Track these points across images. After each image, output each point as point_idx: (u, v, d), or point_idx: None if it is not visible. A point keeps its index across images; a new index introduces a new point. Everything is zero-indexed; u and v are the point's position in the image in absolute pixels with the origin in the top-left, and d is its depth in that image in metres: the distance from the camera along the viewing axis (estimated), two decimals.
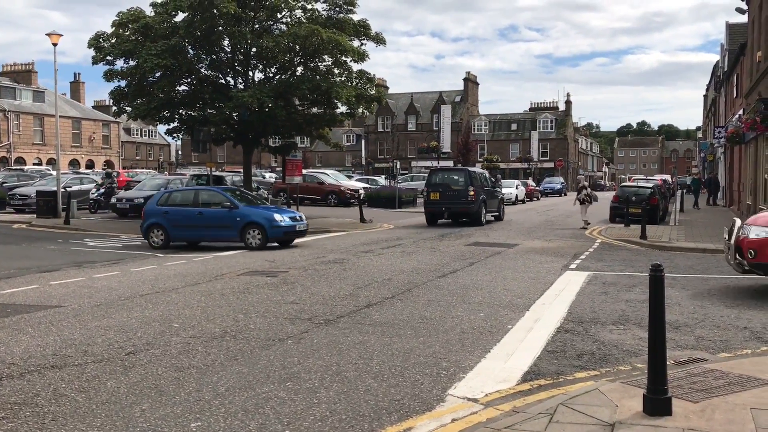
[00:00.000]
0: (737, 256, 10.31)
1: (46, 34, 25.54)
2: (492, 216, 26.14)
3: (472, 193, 23.90)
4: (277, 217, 17.09)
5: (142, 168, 67.51)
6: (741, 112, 28.67)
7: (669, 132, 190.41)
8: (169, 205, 17.63)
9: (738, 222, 11.01)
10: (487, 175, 28.27)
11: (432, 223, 24.68)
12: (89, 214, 26.37)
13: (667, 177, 58.73)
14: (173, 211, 17.43)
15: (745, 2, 27.77)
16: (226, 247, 17.06)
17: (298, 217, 17.79)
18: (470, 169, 27.23)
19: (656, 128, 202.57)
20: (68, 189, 27.62)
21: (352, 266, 13.62)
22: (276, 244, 17.19)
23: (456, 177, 25.01)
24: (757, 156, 23.77)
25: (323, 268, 13.40)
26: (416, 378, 6.15)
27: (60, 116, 36.71)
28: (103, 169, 50.97)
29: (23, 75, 63.61)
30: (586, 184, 25.32)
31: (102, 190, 29.82)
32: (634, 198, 25.35)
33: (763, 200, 20.75)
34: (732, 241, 10.51)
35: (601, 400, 5.31)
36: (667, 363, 5.12)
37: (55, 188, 26.78)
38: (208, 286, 11.10)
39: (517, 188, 45.00)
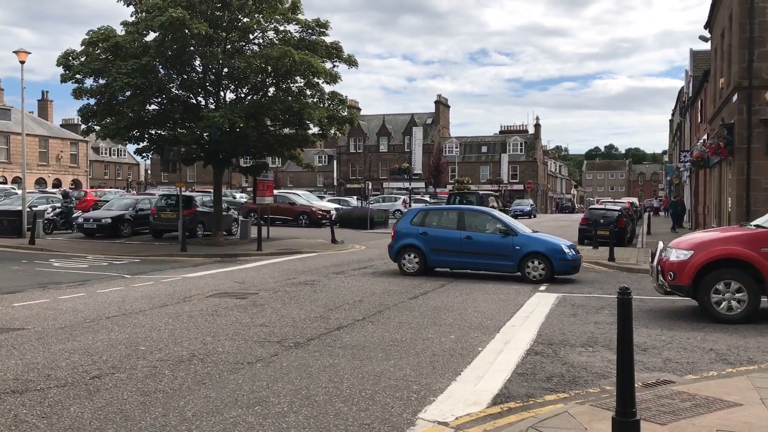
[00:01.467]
0: (659, 278, 10.65)
1: (14, 52, 25.23)
2: None
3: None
4: (564, 247, 15.29)
5: (111, 187, 66.66)
6: (705, 137, 29.30)
7: (636, 155, 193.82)
8: (427, 225, 16.02)
9: (661, 245, 11.33)
10: (493, 198, 36.98)
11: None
12: (45, 235, 25.80)
13: (635, 200, 59.65)
14: (433, 233, 15.75)
15: (708, 30, 28.51)
16: (195, 267, 16.86)
17: (575, 248, 15.92)
18: (480, 192, 37.07)
19: (623, 152, 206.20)
20: (34, 208, 27.12)
21: (323, 288, 13.55)
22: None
23: (470, 198, 33.29)
24: (721, 180, 24.28)
25: (294, 289, 13.31)
26: (387, 401, 6.11)
27: (27, 134, 36.15)
28: (71, 188, 50.26)
29: None
30: (495, 205, 31.15)
31: (58, 210, 29.33)
32: (602, 220, 25.69)
33: (727, 223, 21.17)
34: (654, 263, 10.85)
35: (570, 423, 5.32)
36: (636, 385, 5.16)
37: (20, 207, 26.27)
38: (176, 308, 10.94)
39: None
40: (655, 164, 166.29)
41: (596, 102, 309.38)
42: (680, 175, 49.85)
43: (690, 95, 41.17)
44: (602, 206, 31.72)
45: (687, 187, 45.76)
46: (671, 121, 73.94)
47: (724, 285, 10.10)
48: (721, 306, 10.13)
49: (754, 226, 10.87)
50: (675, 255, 10.52)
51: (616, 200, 43.56)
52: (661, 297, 12.81)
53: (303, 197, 39.92)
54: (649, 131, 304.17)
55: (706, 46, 31.00)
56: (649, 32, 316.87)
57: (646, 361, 7.66)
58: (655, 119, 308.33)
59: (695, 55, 40.79)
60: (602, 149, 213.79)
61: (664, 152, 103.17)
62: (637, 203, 56.57)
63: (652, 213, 43.81)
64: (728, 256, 10.10)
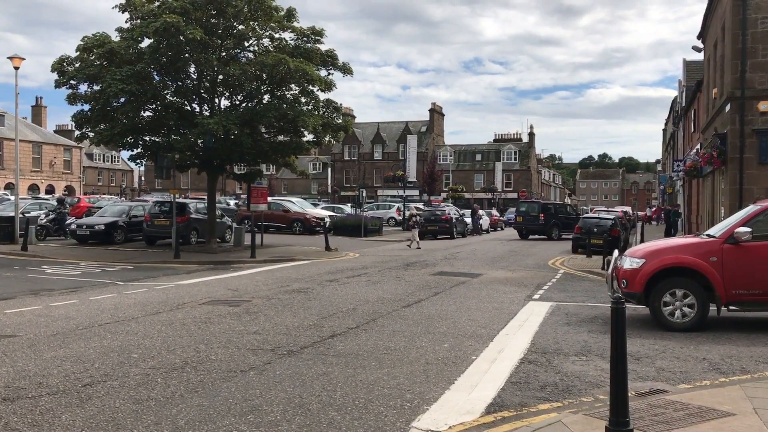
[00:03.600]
0: (614, 286, 10.74)
1: (8, 58, 25.17)
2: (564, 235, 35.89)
3: (542, 217, 37.40)
4: None
5: (104, 194, 66.50)
6: (698, 146, 29.44)
7: (630, 164, 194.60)
8: None
9: (616, 253, 11.48)
10: (567, 205, 42.62)
11: (523, 237, 37.39)
12: (37, 241, 25.71)
13: (628, 209, 59.81)
14: None
15: (701, 41, 28.69)
16: (188, 274, 16.81)
17: None
18: (543, 201, 43.48)
19: (617, 161, 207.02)
20: (26, 215, 27.01)
21: (316, 296, 13.52)
22: (240, 273, 17.00)
23: (534, 206, 39.56)
24: (714, 189, 24.38)
25: (287, 297, 13.28)
26: (380, 410, 6.10)
27: (20, 140, 36.06)
28: (64, 194, 50.10)
29: None
30: (416, 212, 33.18)
31: (51, 216, 29.21)
32: (595, 229, 25.76)
33: None
34: (610, 271, 10.99)
35: None
36: (629, 395, 5.16)
37: (12, 213, 26.16)
38: (169, 316, 10.90)
39: (481, 218, 45.41)
40: (648, 173, 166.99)
41: (590, 111, 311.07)
42: (673, 185, 50.03)
43: (683, 105, 41.37)
44: (596, 215, 31.80)
45: (680, 196, 45.90)
46: (664, 130, 74.31)
47: (674, 293, 10.22)
48: (671, 314, 10.24)
49: (706, 235, 11.00)
50: (628, 263, 10.67)
51: (610, 209, 43.60)
52: None
53: (297, 204, 39.88)
54: (643, 140, 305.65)
55: (699, 56, 31.18)
56: (642, 42, 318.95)
57: (639, 370, 7.67)
58: (648, 128, 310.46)
59: (688, 65, 41.00)
60: (596, 158, 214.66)
61: (658, 161, 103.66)
62: (631, 212, 56.72)
63: (644, 222, 44.07)
64: (678, 264, 10.24)
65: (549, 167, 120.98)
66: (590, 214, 34.70)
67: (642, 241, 32.20)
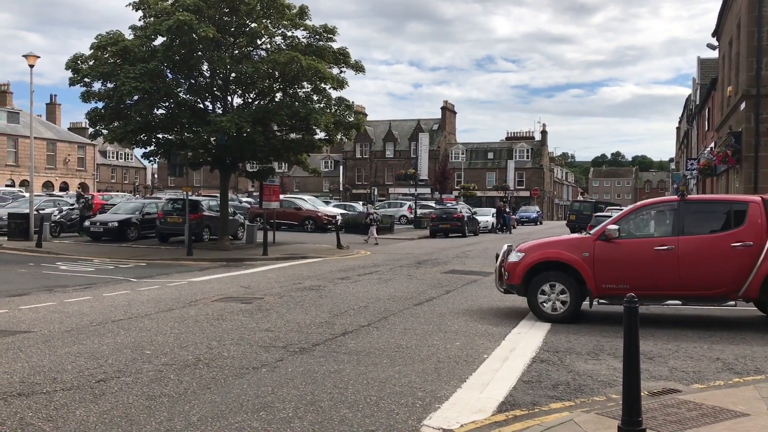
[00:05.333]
0: (501, 277, 11.39)
1: (23, 56, 25.38)
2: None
3: (594, 216, 35.05)
4: None
5: (117, 191, 66.89)
6: (713, 144, 29.23)
7: (643, 163, 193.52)
8: None
9: (505, 247, 11.95)
10: (616, 204, 44.11)
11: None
12: (52, 238, 25.92)
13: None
14: None
15: (715, 38, 28.47)
16: (201, 271, 16.89)
17: None
18: (594, 201, 48.07)
19: (630, 159, 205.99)
20: (41, 212, 27.23)
21: (328, 293, 13.54)
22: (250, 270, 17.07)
23: (587, 205, 43.52)
24: (728, 188, 24.20)
25: (299, 294, 13.31)
26: (391, 408, 6.10)
27: (35, 137, 36.33)
28: (77, 191, 50.42)
29: None
30: (373, 210, 35.04)
31: (77, 211, 29.42)
32: None
33: None
34: (498, 263, 11.58)
35: None
36: (642, 394, 5.14)
37: (27, 210, 26.38)
38: (182, 312, 10.96)
39: (493, 216, 45.31)
40: (661, 172, 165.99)
41: (603, 109, 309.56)
42: (687, 183, 49.70)
43: (697, 103, 41.08)
44: (608, 214, 31.63)
45: (694, 194, 45.59)
46: (678, 128, 73.80)
47: (550, 286, 10.70)
48: (547, 306, 10.72)
49: (586, 232, 11.36)
50: (513, 257, 11.21)
51: (623, 207, 43.34)
52: (667, 305, 12.77)
53: (309, 202, 39.95)
54: (656, 139, 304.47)
55: (714, 54, 30.95)
56: (655, 40, 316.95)
57: (652, 370, 7.63)
58: (661, 127, 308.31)
59: (702, 63, 40.71)
60: (609, 156, 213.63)
61: (671, 160, 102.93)
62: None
63: None
64: (552, 259, 10.79)
65: (561, 165, 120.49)
66: (603, 213, 34.52)
67: None
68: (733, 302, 10.30)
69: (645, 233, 10.87)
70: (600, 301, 10.74)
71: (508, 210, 45.92)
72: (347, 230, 34.52)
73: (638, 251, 10.42)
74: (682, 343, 9.23)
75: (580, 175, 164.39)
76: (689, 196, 10.85)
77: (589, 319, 11.14)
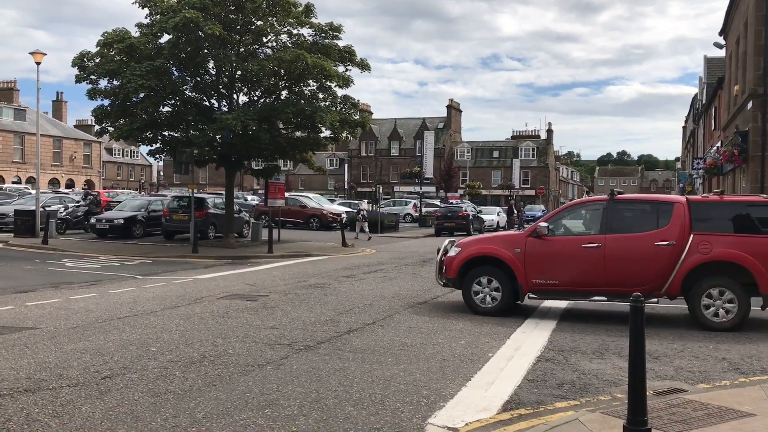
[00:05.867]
0: (440, 272, 11.77)
1: (30, 53, 25.43)
2: None
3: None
4: None
5: (123, 188, 67.05)
6: (719, 144, 29.15)
7: (648, 162, 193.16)
8: None
9: (446, 241, 12.41)
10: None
11: None
12: (58, 235, 26.01)
13: None
14: None
15: (722, 37, 28.36)
16: (206, 269, 16.91)
17: None
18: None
19: (636, 158, 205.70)
20: (47, 208, 27.31)
21: (333, 291, 13.55)
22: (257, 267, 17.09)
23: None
24: (735, 187, 24.12)
25: (304, 292, 13.32)
26: (396, 406, 6.10)
27: (41, 135, 36.43)
28: (84, 188, 50.60)
29: (5, 93, 63.25)
30: (363, 207, 36.18)
31: (82, 208, 29.51)
32: None
33: None
34: (439, 257, 11.95)
35: (581, 431, 5.29)
36: (647, 393, 5.13)
37: (33, 207, 26.47)
38: (187, 310, 10.98)
39: (498, 215, 45.27)
40: (667, 171, 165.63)
41: (609, 108, 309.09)
42: (693, 182, 49.57)
43: (704, 102, 40.96)
44: None
45: (700, 194, 45.50)
46: (684, 127, 73.61)
47: (487, 280, 11.11)
48: (480, 299, 11.15)
49: (521, 229, 12.04)
50: (451, 251, 11.66)
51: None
52: (674, 305, 12.75)
53: (314, 200, 39.98)
54: (662, 138, 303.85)
55: (721, 52, 30.85)
56: (662, 39, 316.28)
57: (657, 369, 7.61)
58: (667, 126, 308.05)
59: (709, 61, 40.57)
60: (614, 155, 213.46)
61: (677, 159, 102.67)
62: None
63: None
64: (485, 254, 11.22)
65: (567, 164, 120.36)
66: None
67: None
68: (656, 300, 10.59)
69: (575, 231, 11.23)
70: (530, 295, 11.06)
71: (522, 209, 45.76)
72: (352, 228, 34.53)
73: (567, 248, 10.76)
74: (687, 342, 9.21)
75: (585, 174, 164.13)
76: (618, 195, 11.08)
77: (594, 318, 11.13)
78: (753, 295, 10.05)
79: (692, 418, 5.63)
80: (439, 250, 12.09)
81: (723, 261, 10.05)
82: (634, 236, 10.52)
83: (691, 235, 10.13)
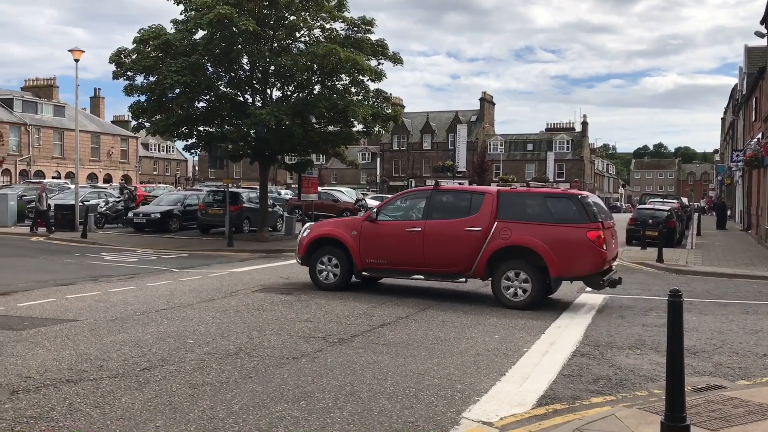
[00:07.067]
0: (297, 252, 13.12)
1: (69, 50, 25.93)
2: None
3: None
4: None
5: (159, 183, 68.03)
6: (760, 135, 28.47)
7: (686, 154, 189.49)
8: None
9: (306, 225, 13.85)
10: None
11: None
12: (96, 229, 26.49)
13: (684, 200, 58.35)
14: None
15: (763, 26, 27.67)
16: (241, 262, 17.07)
17: None
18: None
19: (673, 150, 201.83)
20: (86, 203, 27.85)
21: (365, 284, 13.58)
22: (285, 262, 17.18)
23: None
24: None
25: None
26: (430, 400, 6.11)
27: (80, 131, 37.11)
28: (121, 183, 51.47)
29: (45, 90, 64.58)
30: (362, 197, 36.44)
31: (122, 203, 30.05)
32: (650, 221, 25.19)
33: None
34: (299, 239, 13.19)
35: (617, 426, 5.25)
36: (685, 390, 5.05)
37: (73, 202, 27.01)
38: (223, 303, 11.12)
39: None
40: (705, 163, 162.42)
41: (645, 100, 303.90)
42: (732, 175, 48.55)
43: (744, 93, 40.02)
44: (651, 206, 31.08)
45: (739, 187, 44.54)
46: (723, 119, 72.09)
47: (327, 258, 12.48)
48: (323, 276, 12.54)
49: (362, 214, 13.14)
50: (303, 233, 13.06)
51: (665, 200, 42.43)
52: (711, 300, 12.57)
53: (346, 194, 40.07)
54: (700, 130, 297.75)
55: (762, 42, 30.09)
56: (700, 28, 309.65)
57: (695, 365, 7.50)
58: (706, 117, 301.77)
59: (750, 51, 39.62)
60: (651, 148, 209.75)
61: (716, 151, 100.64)
62: (686, 202, 55.32)
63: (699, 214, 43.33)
64: (327, 235, 12.58)
65: (602, 157, 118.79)
66: (645, 205, 33.93)
67: (699, 233, 31.43)
68: (463, 279, 11.68)
69: (403, 217, 12.36)
70: (363, 273, 12.30)
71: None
72: None
73: (394, 232, 12.01)
74: (727, 338, 9.05)
75: (621, 167, 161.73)
76: (441, 186, 12.45)
77: (630, 313, 10.99)
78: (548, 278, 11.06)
79: (732, 415, 5.54)
80: (299, 234, 13.40)
81: (520, 246, 11.11)
82: (449, 222, 11.64)
83: (496, 223, 11.24)
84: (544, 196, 11.54)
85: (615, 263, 12.47)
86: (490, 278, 11.41)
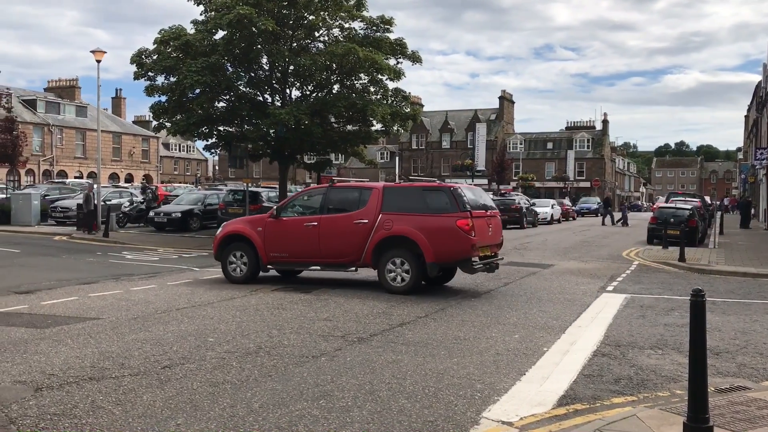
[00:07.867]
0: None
1: (90, 51, 26.18)
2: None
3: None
4: None
5: (180, 183, 68.56)
6: None
7: (708, 153, 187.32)
8: None
9: (224, 222, 14.76)
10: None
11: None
12: (118, 228, 26.77)
13: (707, 198, 57.72)
14: None
15: None
16: None
17: None
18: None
19: (695, 149, 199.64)
20: (108, 202, 28.13)
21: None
22: None
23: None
24: None
25: (356, 284, 13.39)
26: (450, 399, 6.10)
27: (102, 131, 37.48)
28: (142, 182, 51.97)
29: (67, 90, 65.41)
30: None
31: (143, 202, 30.34)
32: (672, 219, 24.95)
33: None
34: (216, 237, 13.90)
35: (639, 427, 5.20)
36: (708, 390, 4.99)
37: (95, 201, 27.27)
38: (243, 301, 11.18)
39: (552, 208, 44.61)
40: (728, 162, 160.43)
41: (666, 98, 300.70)
42: (756, 173, 47.94)
43: (767, 90, 39.49)
44: (672, 205, 30.78)
45: (763, 185, 43.95)
46: (746, 117, 71.21)
47: (238, 254, 13.20)
48: (233, 269, 13.25)
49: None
50: (218, 231, 13.85)
51: (686, 198, 41.90)
52: (734, 300, 12.42)
53: None
54: (722, 128, 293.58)
55: None
56: (722, 25, 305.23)
57: (718, 366, 7.41)
58: (728, 115, 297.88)
59: None
60: (672, 146, 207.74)
61: (739, 149, 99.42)
62: (709, 201, 54.71)
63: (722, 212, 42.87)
64: (235, 232, 13.34)
65: (623, 156, 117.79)
66: (666, 204, 33.60)
67: (722, 232, 31.08)
68: (354, 268, 12.63)
69: (303, 213, 13.20)
70: (268, 266, 13.13)
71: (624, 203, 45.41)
72: None
73: (294, 227, 12.88)
74: (750, 338, 8.94)
75: (642, 166, 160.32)
76: (336, 183, 13.52)
77: (651, 312, 10.89)
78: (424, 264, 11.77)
79: (756, 416, 5.47)
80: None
81: (400, 236, 12.03)
82: (341, 216, 12.61)
83: (380, 215, 12.17)
84: (422, 189, 12.66)
85: (499, 250, 13.69)
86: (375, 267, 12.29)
